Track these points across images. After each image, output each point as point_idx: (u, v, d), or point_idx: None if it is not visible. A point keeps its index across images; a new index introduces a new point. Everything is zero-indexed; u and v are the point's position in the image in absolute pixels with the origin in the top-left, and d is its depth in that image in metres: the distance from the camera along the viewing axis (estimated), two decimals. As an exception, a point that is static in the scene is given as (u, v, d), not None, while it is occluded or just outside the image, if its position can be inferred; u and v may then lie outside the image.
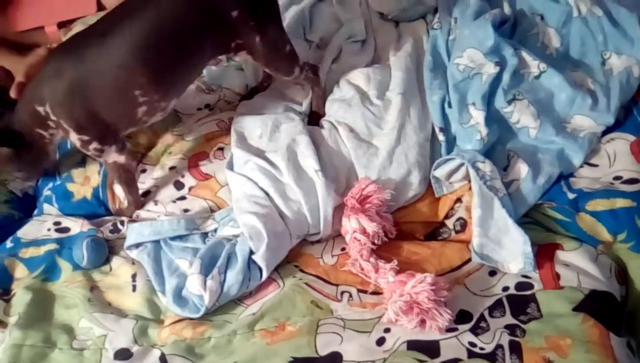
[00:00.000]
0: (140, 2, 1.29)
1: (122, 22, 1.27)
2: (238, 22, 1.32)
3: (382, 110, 1.46)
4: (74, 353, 1.22)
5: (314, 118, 1.54)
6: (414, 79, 1.53)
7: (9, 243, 1.48)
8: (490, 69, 1.46)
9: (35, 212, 1.65)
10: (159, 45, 1.28)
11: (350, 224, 1.28)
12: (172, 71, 1.35)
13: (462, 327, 1.13)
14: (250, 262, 1.25)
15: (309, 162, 1.34)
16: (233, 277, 1.22)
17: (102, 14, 1.64)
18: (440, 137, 1.44)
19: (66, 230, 1.52)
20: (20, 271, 1.41)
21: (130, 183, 1.47)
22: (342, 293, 1.24)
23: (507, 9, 1.65)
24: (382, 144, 1.39)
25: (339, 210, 1.33)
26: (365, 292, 1.24)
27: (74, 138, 1.35)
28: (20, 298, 1.33)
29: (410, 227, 1.37)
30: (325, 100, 1.54)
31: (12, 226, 1.55)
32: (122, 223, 1.47)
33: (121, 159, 1.41)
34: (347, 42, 1.66)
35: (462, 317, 1.15)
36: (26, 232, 1.51)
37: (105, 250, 1.41)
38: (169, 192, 1.50)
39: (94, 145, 1.36)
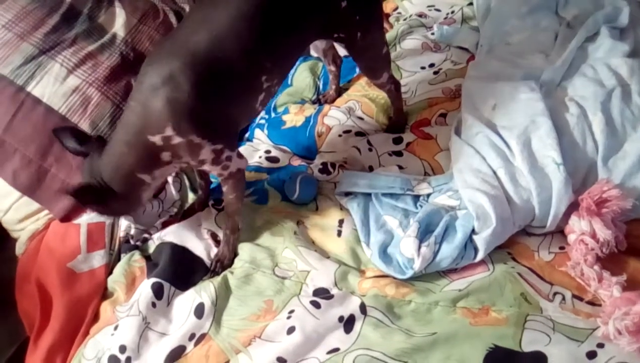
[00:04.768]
0: None
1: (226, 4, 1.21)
2: (345, 14, 1.33)
3: (641, 112, 1.39)
4: (275, 280, 1.33)
5: (394, 128, 1.59)
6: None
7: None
8: None
9: (247, 135, 1.80)
10: (275, 25, 1.24)
11: (580, 225, 1.26)
12: (286, 54, 1.35)
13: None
14: (467, 240, 1.28)
15: (548, 152, 1.31)
16: (448, 251, 1.26)
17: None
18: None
19: (276, 160, 1.65)
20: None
21: (242, 197, 1.41)
22: (555, 293, 1.23)
23: None
24: (633, 149, 1.32)
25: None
26: (580, 299, 1.22)
27: (207, 152, 1.24)
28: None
29: (640, 242, 1.32)
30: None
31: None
32: (332, 165, 1.56)
33: (243, 163, 1.35)
34: (606, 25, 1.58)
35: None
36: (240, 154, 1.66)
37: (316, 188, 1.51)
38: (385, 145, 1.56)
39: (226, 153, 1.27)
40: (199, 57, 1.17)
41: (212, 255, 1.43)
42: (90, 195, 1.23)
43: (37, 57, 1.56)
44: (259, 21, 1.22)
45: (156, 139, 1.19)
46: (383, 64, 1.51)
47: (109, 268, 1.46)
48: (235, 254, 1.41)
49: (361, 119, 1.67)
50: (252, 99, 1.30)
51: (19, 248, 1.55)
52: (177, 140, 1.19)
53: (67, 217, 1.51)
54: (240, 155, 1.34)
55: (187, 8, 1.87)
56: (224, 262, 1.40)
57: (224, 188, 1.37)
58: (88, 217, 1.50)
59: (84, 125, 1.54)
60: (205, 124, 1.21)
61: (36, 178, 1.51)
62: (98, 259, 1.46)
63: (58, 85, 1.54)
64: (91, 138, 1.30)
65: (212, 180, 1.60)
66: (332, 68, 1.74)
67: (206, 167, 1.30)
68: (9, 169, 1.51)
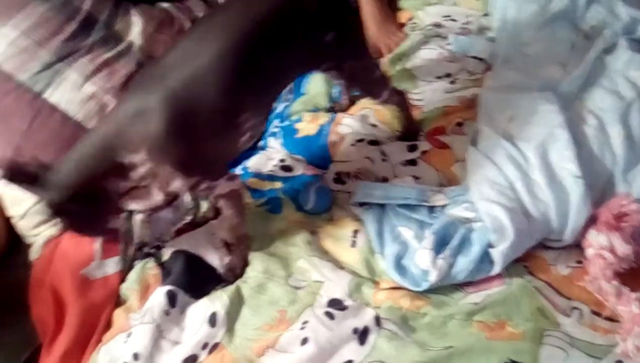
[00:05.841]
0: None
1: (208, 38, 1.22)
2: (330, 46, 1.33)
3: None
4: (289, 290, 1.33)
5: (408, 134, 1.59)
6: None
7: (238, 171, 1.64)
8: None
9: (261, 143, 1.81)
10: (259, 60, 1.22)
11: (598, 239, 1.25)
12: (269, 92, 1.35)
13: None
14: (484, 253, 1.27)
15: (567, 165, 1.31)
16: (464, 264, 1.25)
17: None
18: None
19: (289, 169, 1.65)
20: (245, 197, 1.55)
21: (241, 212, 1.38)
22: (572, 309, 1.22)
23: None
24: (653, 162, 1.32)
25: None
26: (598, 314, 1.21)
27: (180, 183, 1.23)
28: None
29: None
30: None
31: (240, 155, 1.69)
32: (347, 175, 1.57)
33: (235, 184, 1.34)
34: (625, 37, 1.58)
35: None
36: (254, 163, 1.66)
37: (330, 198, 1.51)
38: (400, 154, 1.56)
39: (205, 184, 1.28)
40: (176, 93, 1.16)
41: (225, 263, 1.43)
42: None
43: (55, 64, 1.57)
44: (243, 60, 1.20)
45: (127, 159, 1.17)
46: (380, 86, 1.52)
47: (123, 275, 1.46)
48: (247, 263, 1.41)
49: (375, 126, 1.67)
50: (234, 138, 1.30)
51: (34, 254, 1.56)
52: (147, 166, 1.17)
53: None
54: (231, 177, 1.33)
55: (202, 17, 1.88)
56: (236, 272, 1.40)
57: (218, 205, 1.37)
58: None
59: (100, 132, 1.55)
60: (179, 159, 1.19)
61: None
62: (112, 266, 1.46)
63: (75, 92, 1.55)
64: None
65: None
66: (341, 81, 1.74)
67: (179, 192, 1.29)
68: None
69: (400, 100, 1.57)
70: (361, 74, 1.45)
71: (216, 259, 1.44)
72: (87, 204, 1.19)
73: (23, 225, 1.58)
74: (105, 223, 1.28)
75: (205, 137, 1.21)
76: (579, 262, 1.30)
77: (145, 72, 1.29)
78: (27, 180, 1.17)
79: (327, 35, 1.31)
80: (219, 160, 1.33)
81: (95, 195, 1.19)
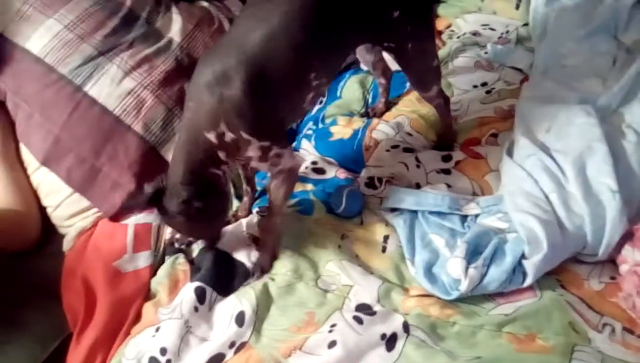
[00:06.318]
0: None
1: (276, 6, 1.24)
2: (396, 24, 1.33)
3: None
4: (317, 292, 1.34)
5: (443, 144, 1.59)
6: None
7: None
8: None
9: (294, 145, 1.82)
10: (326, 26, 1.26)
11: (633, 255, 1.24)
12: (336, 54, 1.37)
13: None
14: (516, 264, 1.26)
15: (604, 179, 1.30)
16: (496, 274, 1.25)
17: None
18: None
19: (322, 171, 1.66)
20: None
21: (288, 196, 1.41)
22: (604, 325, 1.21)
23: None
24: (692, 179, 1.30)
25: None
26: (631, 332, 1.19)
27: (254, 149, 1.27)
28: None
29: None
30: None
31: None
32: (379, 180, 1.57)
33: (296, 162, 1.37)
34: (668, 52, 1.56)
35: None
36: (287, 164, 1.67)
37: (362, 203, 1.51)
38: (434, 162, 1.56)
39: (274, 151, 1.29)
40: (251, 55, 1.21)
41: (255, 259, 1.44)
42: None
43: (96, 58, 1.60)
44: (311, 20, 1.24)
45: (211, 136, 1.23)
46: (433, 77, 1.50)
47: (154, 270, 1.48)
48: (276, 257, 1.42)
49: (410, 135, 1.67)
50: (301, 97, 1.33)
51: (67, 244, 1.59)
52: (229, 136, 1.23)
53: (116, 217, 1.54)
54: (292, 155, 1.36)
55: (241, 17, 1.90)
56: (264, 266, 1.41)
57: (272, 184, 1.38)
58: (136, 218, 1.53)
59: (137, 127, 1.57)
60: (254, 120, 1.24)
61: (89, 176, 1.55)
62: (143, 260, 1.48)
63: (114, 87, 1.58)
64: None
65: (258, 188, 1.62)
66: (382, 81, 1.75)
67: (254, 164, 1.33)
68: (63, 166, 1.55)
69: (444, 104, 1.57)
70: (419, 59, 1.44)
71: (245, 257, 1.45)
72: (206, 197, 1.27)
73: (57, 216, 1.62)
74: (223, 214, 1.39)
75: (278, 94, 1.25)
76: (613, 277, 1.29)
77: (218, 41, 1.34)
78: (152, 199, 1.28)
79: (395, 11, 1.32)
80: (286, 122, 1.38)
81: (209, 185, 1.28)
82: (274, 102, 1.26)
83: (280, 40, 1.22)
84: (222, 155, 1.27)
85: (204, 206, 1.27)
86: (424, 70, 1.48)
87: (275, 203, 1.40)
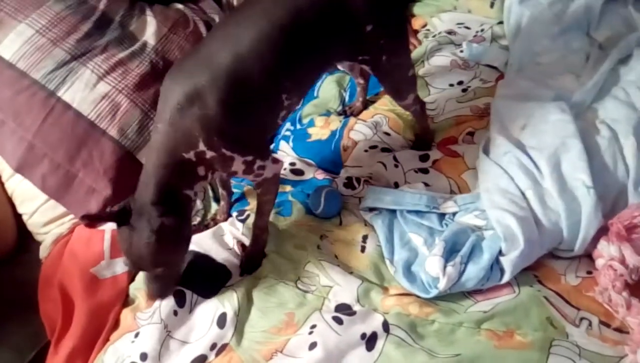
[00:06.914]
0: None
1: (251, 22, 1.24)
2: (370, 37, 1.34)
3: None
4: (297, 293, 1.34)
5: (421, 145, 1.61)
6: None
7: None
8: None
9: (272, 146, 1.82)
10: (298, 48, 1.26)
11: (609, 250, 1.26)
12: (308, 75, 1.38)
13: None
14: (494, 261, 1.28)
15: (579, 175, 1.32)
16: (474, 272, 1.26)
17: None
18: None
19: (300, 172, 1.66)
20: (254, 199, 1.55)
21: (275, 198, 1.42)
22: (581, 319, 1.23)
23: None
24: (666, 174, 1.32)
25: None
26: (607, 325, 1.22)
27: (238, 164, 1.27)
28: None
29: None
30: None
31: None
32: (357, 180, 1.57)
33: (278, 167, 1.37)
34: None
35: None
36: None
37: (341, 203, 1.52)
38: (412, 162, 1.56)
39: (258, 163, 1.30)
40: (223, 74, 1.20)
41: (236, 262, 1.44)
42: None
43: (69, 63, 1.58)
44: (281, 43, 1.24)
45: (190, 155, 1.21)
46: (408, 86, 1.51)
47: (132, 275, 1.48)
48: (265, 254, 1.43)
49: (388, 134, 1.68)
50: (274, 115, 1.33)
51: (43, 252, 1.58)
52: (209, 154, 1.22)
53: (92, 223, 1.53)
54: (275, 160, 1.36)
55: (216, 19, 1.89)
56: (254, 258, 1.42)
57: (259, 191, 1.39)
58: (113, 224, 1.52)
59: (112, 132, 1.56)
60: (234, 137, 1.24)
61: (64, 182, 1.53)
62: (121, 266, 1.47)
63: (88, 91, 1.57)
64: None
65: (234, 190, 1.62)
66: (361, 81, 1.75)
67: (240, 176, 1.33)
68: (38, 172, 1.53)
69: (420, 110, 1.58)
70: (394, 70, 1.45)
71: (226, 259, 1.44)
72: (179, 212, 1.23)
73: (33, 223, 1.60)
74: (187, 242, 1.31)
75: (252, 114, 1.25)
76: (589, 272, 1.31)
77: (186, 58, 1.31)
78: (115, 216, 1.23)
79: (368, 25, 1.32)
80: (264, 136, 1.38)
81: (181, 202, 1.24)
82: (248, 120, 1.26)
83: (250, 61, 1.21)
84: (201, 170, 1.25)
85: (175, 227, 1.21)
86: (399, 81, 1.49)
87: (263, 208, 1.41)
